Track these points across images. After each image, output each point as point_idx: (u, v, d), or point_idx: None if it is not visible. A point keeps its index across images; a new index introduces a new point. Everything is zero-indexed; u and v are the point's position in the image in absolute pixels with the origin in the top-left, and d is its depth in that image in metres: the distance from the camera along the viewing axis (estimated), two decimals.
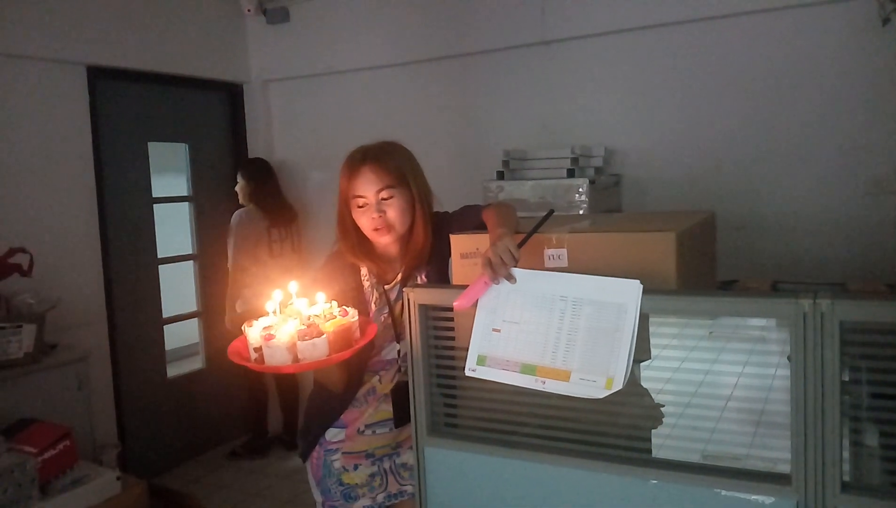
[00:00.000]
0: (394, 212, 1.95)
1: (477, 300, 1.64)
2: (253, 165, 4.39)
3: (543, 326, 1.56)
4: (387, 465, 2.10)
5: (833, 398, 1.31)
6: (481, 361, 1.62)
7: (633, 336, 1.47)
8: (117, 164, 4.01)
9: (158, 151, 4.32)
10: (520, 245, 1.63)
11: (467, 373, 1.65)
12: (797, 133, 3.21)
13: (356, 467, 2.08)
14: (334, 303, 1.76)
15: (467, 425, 1.77)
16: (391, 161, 1.97)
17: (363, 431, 2.07)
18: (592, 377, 1.49)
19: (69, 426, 2.71)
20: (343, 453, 2.07)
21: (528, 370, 1.56)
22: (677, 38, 3.43)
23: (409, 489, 2.10)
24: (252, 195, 4.26)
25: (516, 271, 1.61)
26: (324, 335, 1.62)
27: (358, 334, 1.74)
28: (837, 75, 3.12)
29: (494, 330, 1.62)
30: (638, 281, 1.49)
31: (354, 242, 2.02)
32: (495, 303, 1.63)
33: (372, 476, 2.09)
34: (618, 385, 1.46)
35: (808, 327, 1.33)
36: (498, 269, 1.60)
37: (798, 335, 1.33)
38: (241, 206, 4.27)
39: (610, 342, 1.49)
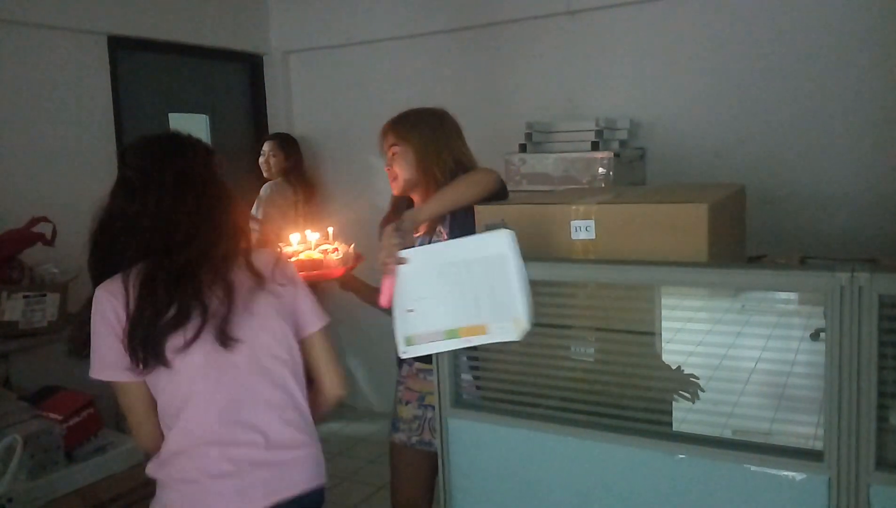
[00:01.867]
0: (398, 166, 2.20)
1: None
2: (287, 139, 4.38)
3: (447, 293, 1.63)
4: (429, 415, 2.20)
5: (870, 374, 1.28)
6: (409, 341, 1.68)
7: (522, 278, 1.55)
8: (138, 134, 3.99)
9: (179, 123, 4.31)
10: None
11: (401, 355, 1.70)
12: (827, 106, 3.14)
13: (408, 403, 2.28)
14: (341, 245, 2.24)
15: (491, 397, 1.76)
16: (402, 123, 2.22)
17: (417, 374, 2.26)
18: (503, 323, 1.57)
19: (93, 395, 2.73)
20: (405, 387, 2.29)
21: (451, 334, 1.64)
22: (705, 7, 3.35)
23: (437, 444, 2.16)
24: (284, 169, 4.27)
25: (406, 253, 1.67)
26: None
27: (330, 266, 2.14)
28: (871, 48, 3.04)
29: (409, 311, 1.67)
30: (506, 231, 1.55)
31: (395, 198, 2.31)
32: (402, 287, 1.68)
33: (415, 417, 2.26)
34: (526, 324, 1.55)
35: (844, 301, 1.29)
36: (388, 261, 1.67)
37: (835, 310, 1.30)
38: (263, 179, 4.26)
39: (505, 289, 1.56)
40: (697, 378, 1.65)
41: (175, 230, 1.55)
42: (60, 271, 3.09)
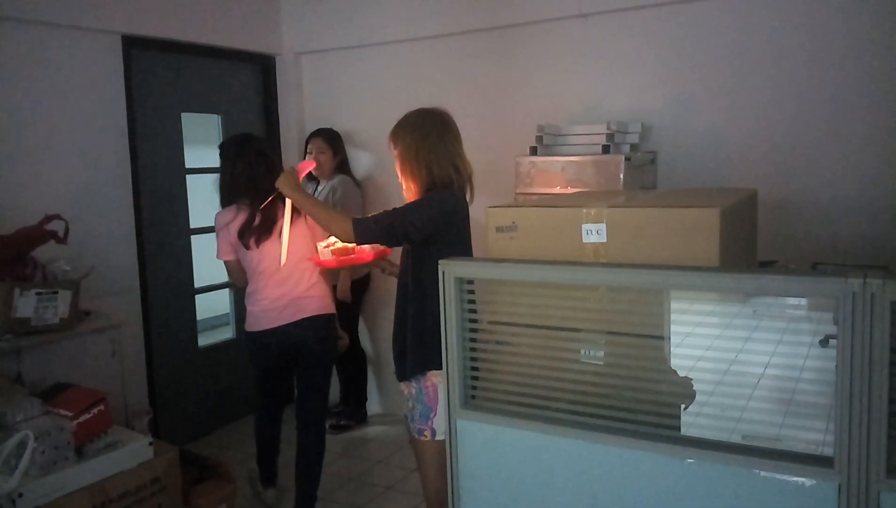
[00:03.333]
0: (397, 165, 2.42)
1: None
2: (332, 135, 4.32)
3: None
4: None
5: (881, 380, 1.28)
6: None
7: None
8: (151, 134, 4.03)
9: (191, 122, 4.33)
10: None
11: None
12: (839, 112, 3.13)
13: None
14: None
15: (500, 399, 1.76)
16: (396, 126, 2.42)
17: None
18: None
19: (103, 392, 2.75)
20: None
21: None
22: (718, 12, 3.34)
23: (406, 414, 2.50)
24: (337, 166, 4.26)
25: None
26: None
27: (363, 251, 2.65)
28: (884, 53, 3.02)
29: None
30: None
31: None
32: None
33: None
34: None
35: (857, 307, 1.29)
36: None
37: (846, 316, 1.30)
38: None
39: None
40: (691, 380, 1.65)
41: (249, 183, 3.00)
42: (72, 269, 3.11)
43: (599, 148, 3.27)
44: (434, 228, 2.26)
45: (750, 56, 3.29)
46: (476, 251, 2.47)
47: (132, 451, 2.70)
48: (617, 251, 1.65)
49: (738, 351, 1.65)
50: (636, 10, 3.52)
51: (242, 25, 4.43)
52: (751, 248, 2.01)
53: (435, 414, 2.32)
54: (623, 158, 3.15)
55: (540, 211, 1.84)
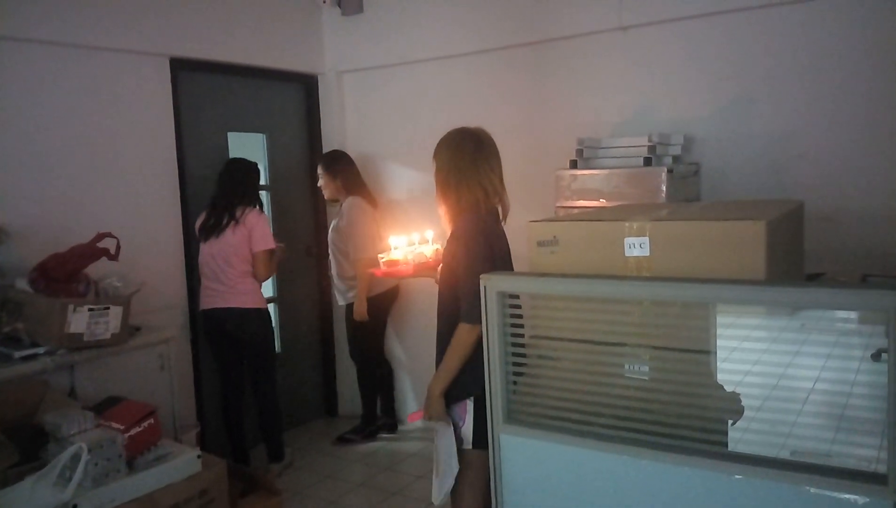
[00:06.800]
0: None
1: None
2: (330, 159, 4.36)
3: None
4: None
5: None
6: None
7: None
8: (199, 153, 4.12)
9: (237, 141, 4.42)
10: None
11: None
12: (887, 120, 3.06)
13: None
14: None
15: (543, 413, 1.76)
16: (438, 143, 2.43)
17: None
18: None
19: (153, 405, 2.81)
20: None
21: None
22: (760, 22, 3.30)
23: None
24: (339, 188, 4.27)
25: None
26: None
27: (406, 264, 2.73)
28: None
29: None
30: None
31: None
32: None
33: None
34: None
35: None
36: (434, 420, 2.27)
37: None
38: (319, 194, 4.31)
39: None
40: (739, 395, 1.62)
41: (219, 198, 3.82)
42: (123, 285, 3.19)
43: (641, 161, 3.25)
44: (489, 255, 2.25)
45: (795, 66, 3.24)
46: (518, 266, 2.47)
47: (181, 464, 2.74)
48: (660, 265, 1.64)
49: (786, 366, 1.63)
50: (676, 21, 3.50)
51: (286, 46, 4.53)
52: (798, 260, 1.98)
53: (464, 423, 2.30)
54: (665, 170, 3.12)
55: (581, 225, 1.84)
